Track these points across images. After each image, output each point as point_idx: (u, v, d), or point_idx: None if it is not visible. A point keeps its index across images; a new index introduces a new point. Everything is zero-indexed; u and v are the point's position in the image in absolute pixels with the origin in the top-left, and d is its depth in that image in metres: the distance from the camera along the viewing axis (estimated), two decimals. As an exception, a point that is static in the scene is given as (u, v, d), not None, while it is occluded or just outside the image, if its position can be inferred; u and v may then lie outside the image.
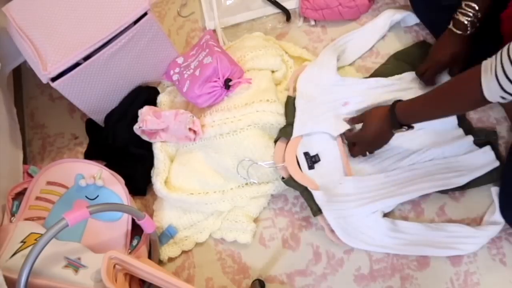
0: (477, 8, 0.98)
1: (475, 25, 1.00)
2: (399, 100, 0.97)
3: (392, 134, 1.00)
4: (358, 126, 1.08)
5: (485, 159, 1.05)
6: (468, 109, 1.03)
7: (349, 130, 1.10)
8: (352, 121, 1.09)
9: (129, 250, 1.05)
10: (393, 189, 1.05)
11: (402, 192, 1.04)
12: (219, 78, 1.10)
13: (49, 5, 1.05)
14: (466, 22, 1.00)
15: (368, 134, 1.03)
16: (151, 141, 1.16)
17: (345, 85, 1.14)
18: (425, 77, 1.11)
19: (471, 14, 0.99)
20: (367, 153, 1.08)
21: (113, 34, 1.05)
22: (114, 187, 1.09)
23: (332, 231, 1.05)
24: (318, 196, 1.05)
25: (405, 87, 1.13)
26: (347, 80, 1.15)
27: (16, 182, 1.11)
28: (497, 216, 1.01)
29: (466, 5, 0.99)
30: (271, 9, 1.34)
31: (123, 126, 1.17)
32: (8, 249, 0.94)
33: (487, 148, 1.06)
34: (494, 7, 0.99)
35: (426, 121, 0.97)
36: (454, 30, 1.02)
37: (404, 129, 0.97)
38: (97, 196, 1.08)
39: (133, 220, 1.04)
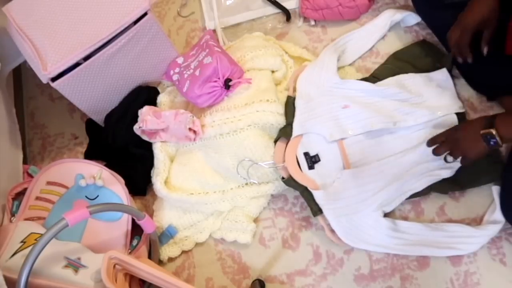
0: None
1: None
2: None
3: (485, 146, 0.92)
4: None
5: None
6: None
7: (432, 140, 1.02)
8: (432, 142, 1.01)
9: (129, 250, 1.05)
10: (392, 178, 1.05)
11: (401, 177, 1.04)
12: (219, 78, 1.10)
13: (49, 5, 1.05)
14: None
15: (461, 140, 0.95)
16: (151, 141, 1.16)
17: (345, 88, 1.14)
18: (460, 48, 1.02)
19: None
20: (451, 157, 0.99)
21: (113, 34, 1.05)
22: (114, 187, 1.09)
23: (332, 231, 1.05)
24: (318, 196, 1.05)
25: (405, 96, 1.13)
26: (347, 83, 1.14)
27: (16, 182, 1.11)
28: (498, 215, 1.01)
29: None
30: (271, 9, 1.34)
31: (123, 126, 1.17)
32: (8, 249, 0.94)
33: None
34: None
35: None
36: None
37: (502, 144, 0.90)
38: (97, 196, 1.08)
39: (133, 220, 1.04)
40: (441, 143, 1.00)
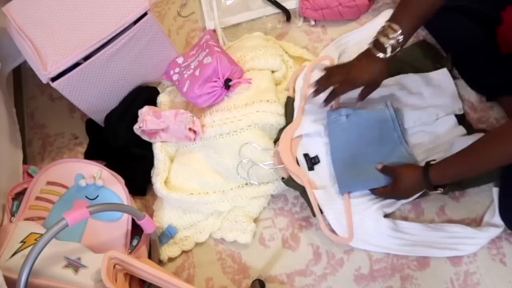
0: (399, 31, 0.91)
1: (396, 50, 0.93)
2: (430, 162, 0.94)
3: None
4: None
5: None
6: (510, 161, 0.87)
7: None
8: (384, 170, 1.02)
9: (129, 250, 1.05)
10: None
11: None
12: (219, 78, 1.10)
13: (49, 5, 1.05)
14: (386, 45, 0.92)
15: (398, 192, 1.00)
16: (151, 141, 1.16)
17: None
18: (332, 93, 1.03)
19: (393, 37, 0.92)
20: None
21: (113, 34, 1.05)
22: (114, 187, 1.09)
23: (332, 231, 1.05)
24: (318, 196, 1.05)
25: (405, 96, 1.12)
26: None
27: (16, 182, 1.11)
28: (497, 219, 1.01)
29: (389, 26, 0.92)
30: (271, 9, 1.34)
31: (123, 126, 1.17)
32: (8, 249, 0.94)
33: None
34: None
35: (461, 179, 0.98)
36: (374, 51, 0.94)
37: (439, 191, 0.95)
38: (97, 196, 1.08)
39: (133, 220, 1.04)
40: (380, 195, 1.04)
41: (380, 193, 1.03)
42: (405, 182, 0.98)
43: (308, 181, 1.06)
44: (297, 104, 1.13)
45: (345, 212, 1.04)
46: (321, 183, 1.08)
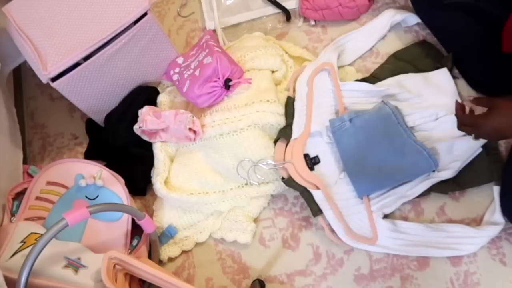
0: None
1: None
2: None
3: None
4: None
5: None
6: None
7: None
8: (477, 101, 0.91)
9: (129, 250, 1.05)
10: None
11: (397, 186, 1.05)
12: (219, 78, 1.10)
13: (49, 5, 1.05)
14: None
15: (492, 125, 0.86)
16: (151, 141, 1.16)
17: (344, 90, 1.13)
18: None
19: None
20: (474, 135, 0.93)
21: (113, 34, 1.05)
22: (114, 187, 1.09)
23: (332, 231, 1.05)
24: (318, 196, 1.05)
25: (405, 96, 1.12)
26: (346, 84, 1.14)
27: (16, 182, 1.11)
28: (498, 216, 1.01)
29: None
30: (271, 9, 1.34)
31: (123, 126, 1.17)
32: (8, 249, 0.94)
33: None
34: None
35: None
36: None
37: None
38: (97, 196, 1.08)
39: (133, 220, 1.04)
40: (469, 128, 0.92)
41: (468, 119, 0.91)
42: (507, 113, 0.85)
43: (329, 195, 1.05)
44: (297, 108, 1.13)
45: (367, 214, 1.04)
46: (323, 182, 1.08)
